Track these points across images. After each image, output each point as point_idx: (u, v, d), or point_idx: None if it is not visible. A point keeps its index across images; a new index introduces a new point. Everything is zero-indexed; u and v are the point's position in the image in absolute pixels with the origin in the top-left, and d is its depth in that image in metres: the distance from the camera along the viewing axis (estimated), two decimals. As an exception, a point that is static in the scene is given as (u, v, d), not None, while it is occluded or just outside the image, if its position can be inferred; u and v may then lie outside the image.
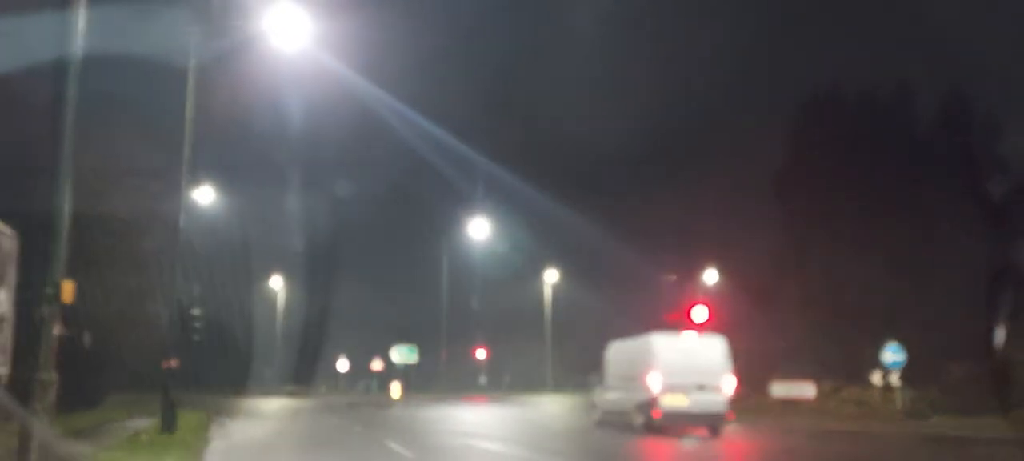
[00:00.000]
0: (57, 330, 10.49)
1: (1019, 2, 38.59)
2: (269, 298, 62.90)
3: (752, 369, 36.68)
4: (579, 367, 33.54)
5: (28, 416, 10.10)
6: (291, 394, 51.49)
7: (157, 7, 18.14)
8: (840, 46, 56.61)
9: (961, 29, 41.38)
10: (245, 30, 18.11)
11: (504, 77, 78.69)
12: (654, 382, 21.23)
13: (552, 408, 31.27)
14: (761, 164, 40.29)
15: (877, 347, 27.99)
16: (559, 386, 58.08)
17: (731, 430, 23.68)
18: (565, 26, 65.65)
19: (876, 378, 28.02)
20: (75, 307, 16.54)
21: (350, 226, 66.74)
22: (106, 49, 14.78)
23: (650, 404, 21.25)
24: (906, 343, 27.14)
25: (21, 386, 13.10)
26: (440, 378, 61.19)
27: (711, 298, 38.31)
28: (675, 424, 21.48)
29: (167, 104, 21.55)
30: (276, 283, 63.69)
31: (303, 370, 51.79)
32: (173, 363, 18.57)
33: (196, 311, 21.60)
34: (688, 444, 19.93)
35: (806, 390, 31.22)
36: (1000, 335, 26.14)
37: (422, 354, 55.74)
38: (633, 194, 64.82)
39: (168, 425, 17.61)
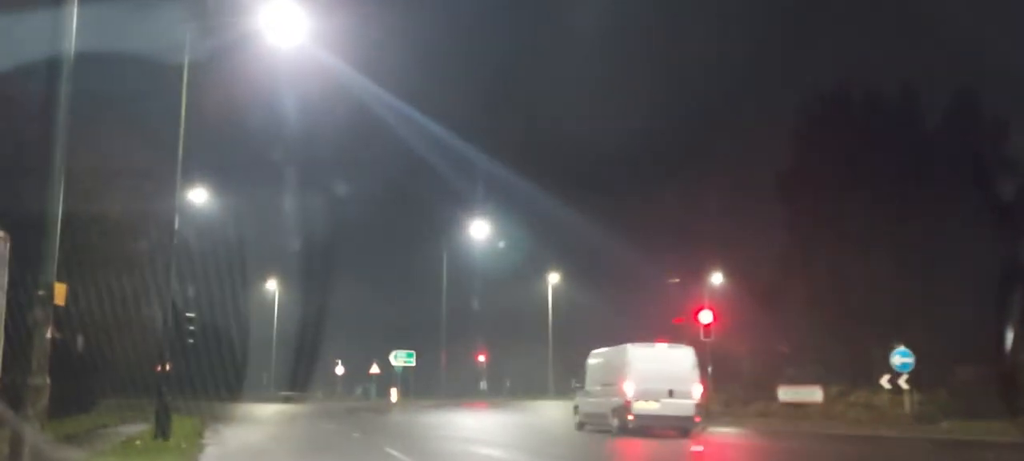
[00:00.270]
0: (49, 333, 10.13)
1: (1024, 1, 38.53)
2: (265, 301, 62.58)
3: (758, 372, 36.47)
4: (581, 371, 33.57)
5: (20, 421, 9.90)
6: (288, 399, 51.13)
7: (151, 4, 17.79)
8: (846, 45, 56.40)
9: (968, 29, 41.19)
10: (240, 27, 17.80)
11: (504, 75, 78.48)
12: (629, 389, 23.37)
13: (554, 413, 31.09)
14: (766, 164, 40.07)
15: (885, 349, 27.77)
16: (561, 391, 57.70)
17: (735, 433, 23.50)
18: (566, 24, 65.46)
19: (884, 381, 27.69)
20: (67, 310, 16.30)
21: (347, 227, 66.34)
22: (99, 47, 14.52)
23: (625, 408, 23.34)
24: (914, 346, 26.89)
25: (12, 391, 12.75)
26: (440, 383, 60.82)
27: (716, 300, 38.02)
28: (648, 426, 23.26)
29: (161, 103, 21.24)
30: (272, 285, 63.34)
31: (300, 375, 51.38)
32: (167, 367, 18.18)
33: (191, 314, 21.25)
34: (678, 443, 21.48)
35: (813, 394, 30.94)
36: (1010, 338, 25.87)
37: (421, 358, 55.26)
38: (636, 194, 64.50)
39: (162, 431, 17.30)
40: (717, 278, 42.94)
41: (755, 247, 39.29)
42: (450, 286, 60.87)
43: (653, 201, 58.94)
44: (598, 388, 25.89)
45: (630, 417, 23.23)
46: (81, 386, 22.14)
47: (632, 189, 67.21)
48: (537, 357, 62.21)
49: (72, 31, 10.51)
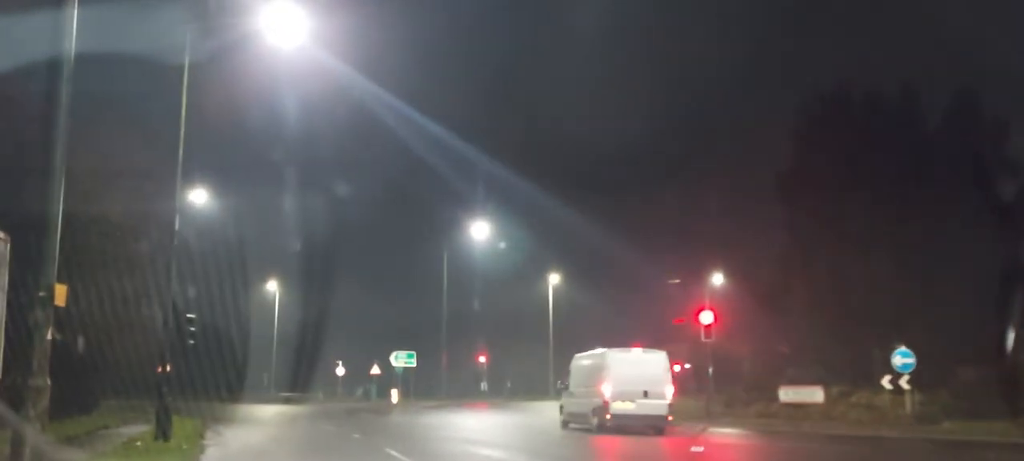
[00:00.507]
0: (50, 334, 10.12)
1: (1025, 2, 38.46)
2: (266, 302, 62.51)
3: (759, 373, 36.44)
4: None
5: (20, 422, 9.87)
6: (288, 400, 51.11)
7: (151, 5, 17.76)
8: (846, 45, 56.45)
9: (968, 29, 41.21)
10: (241, 28, 17.74)
11: (505, 76, 78.42)
12: (607, 390, 25.36)
13: (554, 414, 31.06)
14: (766, 164, 39.98)
15: (886, 350, 27.72)
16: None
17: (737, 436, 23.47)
18: (566, 24, 65.42)
19: (885, 382, 27.64)
20: (68, 311, 16.29)
21: (348, 227, 66.32)
22: (99, 48, 14.49)
23: (604, 408, 25.36)
24: (915, 346, 26.85)
25: (13, 392, 12.73)
26: (440, 384, 60.78)
27: (716, 301, 38.02)
28: (624, 425, 25.02)
29: (162, 104, 21.23)
30: (273, 286, 63.29)
31: (300, 375, 51.31)
32: (168, 368, 18.17)
33: (191, 315, 21.24)
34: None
35: (814, 395, 30.89)
36: (1011, 338, 25.83)
37: (422, 359, 55.23)
38: (636, 194, 64.58)
39: (163, 432, 17.28)
40: (718, 279, 42.97)
41: (755, 248, 39.30)
42: (451, 287, 60.89)
43: (654, 201, 59.05)
44: (580, 389, 27.70)
45: (608, 416, 25.18)
46: (82, 387, 22.11)
47: (633, 189, 67.29)
48: (538, 358, 62.15)
49: (72, 32, 10.49)
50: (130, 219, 24.57)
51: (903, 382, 27.07)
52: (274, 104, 40.54)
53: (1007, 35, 36.04)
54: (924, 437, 24.08)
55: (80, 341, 22.08)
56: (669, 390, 25.88)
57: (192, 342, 21.67)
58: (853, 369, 31.19)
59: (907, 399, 27.34)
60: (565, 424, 28.46)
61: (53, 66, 10.50)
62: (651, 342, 28.25)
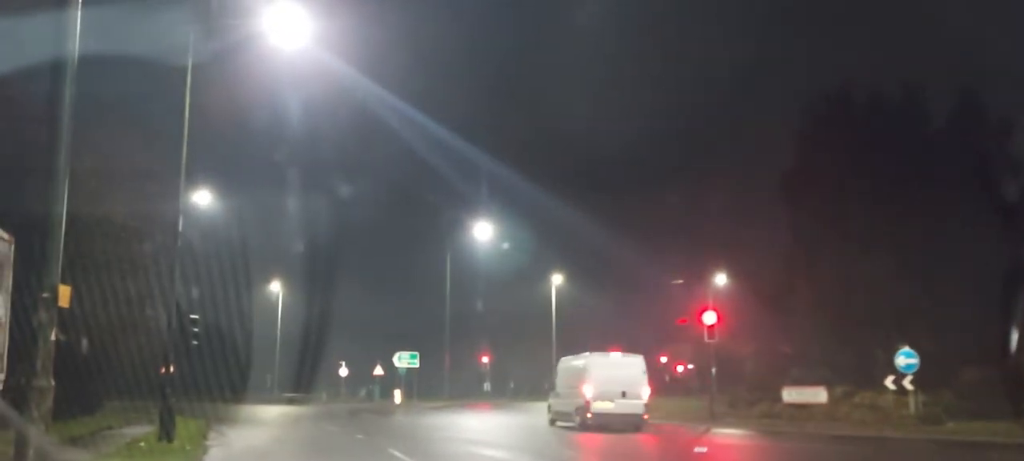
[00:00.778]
0: (53, 335, 10.11)
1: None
2: (269, 302, 62.53)
3: (762, 373, 36.39)
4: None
5: (24, 423, 9.82)
6: (291, 401, 51.15)
7: (154, 6, 17.78)
8: (850, 46, 56.37)
9: (972, 29, 41.06)
10: (244, 29, 17.76)
11: (508, 76, 78.37)
12: (588, 390, 27.42)
13: (556, 414, 31.23)
14: (770, 165, 39.98)
15: (889, 351, 27.69)
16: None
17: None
18: (571, 24, 65.30)
19: (889, 382, 27.60)
20: (72, 312, 16.30)
21: (351, 228, 66.21)
22: (103, 49, 14.47)
23: (585, 407, 27.37)
24: (919, 346, 26.82)
25: (17, 393, 12.74)
26: (443, 384, 60.80)
27: (720, 301, 37.98)
28: (604, 423, 26.89)
29: (165, 105, 21.23)
30: (276, 287, 63.31)
31: (303, 376, 51.30)
32: (171, 369, 18.19)
33: (195, 316, 21.26)
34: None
35: (818, 395, 30.85)
36: (1014, 338, 25.77)
37: (425, 359, 55.29)
38: (640, 195, 64.57)
39: (166, 432, 17.30)
40: (721, 279, 42.92)
41: (759, 248, 39.21)
42: (454, 287, 60.87)
43: (657, 201, 59.01)
44: (565, 390, 29.92)
45: (589, 415, 27.23)
46: (85, 388, 22.10)
47: (636, 189, 67.27)
48: (541, 358, 62.01)
49: (76, 33, 10.48)
50: (134, 220, 24.57)
51: (907, 382, 27.04)
52: (277, 105, 40.58)
53: (1011, 35, 35.97)
54: (928, 437, 24.05)
55: (84, 342, 22.08)
56: (645, 391, 27.90)
57: (195, 343, 21.69)
58: (856, 369, 31.10)
59: (911, 399, 27.30)
60: (552, 422, 30.43)
61: (56, 67, 10.45)
62: (654, 342, 29.54)
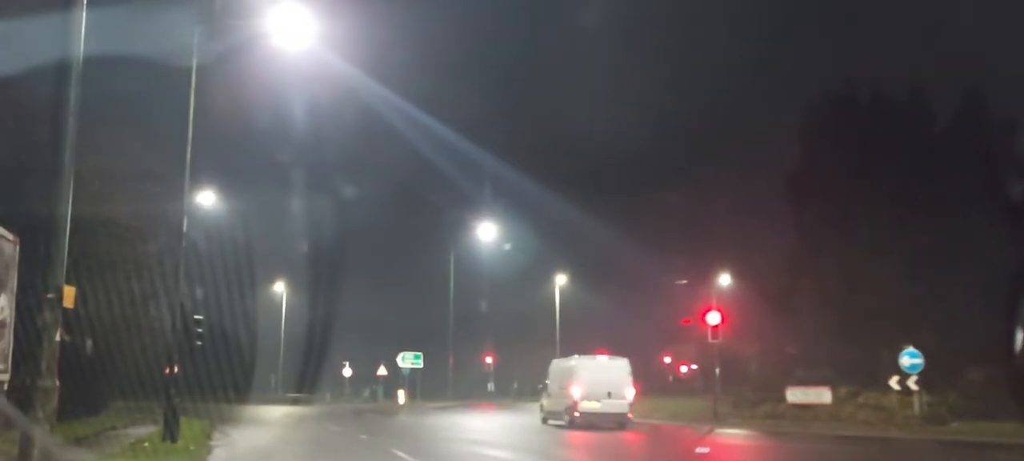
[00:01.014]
0: (58, 336, 10.12)
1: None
2: (273, 303, 62.53)
3: (766, 373, 36.32)
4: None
5: (29, 423, 9.82)
6: (295, 401, 51.18)
7: (159, 7, 17.80)
8: (855, 46, 56.38)
9: (977, 29, 41.00)
10: (248, 29, 17.78)
11: (513, 76, 78.42)
12: (576, 391, 29.14)
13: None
14: (775, 165, 39.91)
15: (894, 351, 27.61)
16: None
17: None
18: (576, 25, 65.35)
19: (894, 383, 27.52)
20: (76, 313, 16.34)
21: (355, 229, 66.13)
22: (107, 50, 14.48)
23: (573, 407, 29.07)
24: (923, 346, 26.73)
25: (22, 393, 12.79)
26: (447, 385, 60.78)
27: (724, 301, 37.93)
28: (591, 421, 28.61)
29: (169, 106, 21.24)
30: (280, 288, 63.34)
31: (307, 377, 51.37)
32: (175, 369, 18.20)
33: (199, 316, 21.27)
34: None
35: (822, 395, 30.76)
36: (1020, 338, 25.65)
37: (429, 360, 55.31)
38: (644, 196, 64.57)
39: (170, 433, 17.31)
40: (725, 279, 42.87)
41: (763, 248, 39.14)
42: (458, 288, 60.91)
43: (661, 202, 59.00)
44: (556, 390, 31.66)
45: (577, 413, 28.92)
46: (90, 389, 22.13)
47: (640, 190, 67.04)
48: (545, 358, 61.80)
49: (80, 34, 10.49)
50: (138, 221, 24.60)
51: (911, 383, 26.96)
52: (281, 106, 40.65)
53: (1015, 35, 35.83)
54: (932, 438, 24.02)
55: (88, 343, 22.13)
56: (630, 391, 29.60)
57: (200, 343, 21.69)
58: (861, 370, 31.01)
59: (915, 400, 27.22)
60: (544, 420, 32.14)
61: (61, 68, 10.45)
62: (658, 343, 30.11)
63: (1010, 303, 25.68)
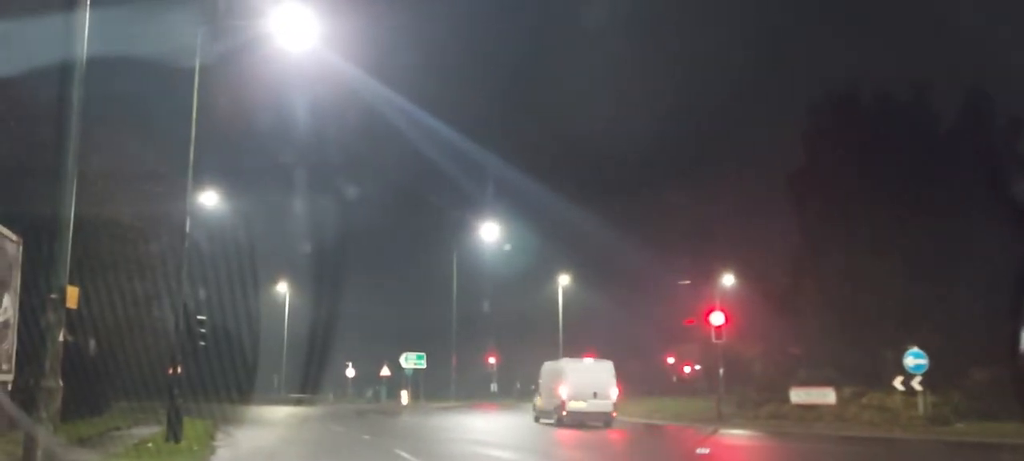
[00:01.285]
0: (61, 336, 10.13)
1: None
2: (276, 303, 62.55)
3: (770, 374, 36.26)
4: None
5: (32, 424, 9.84)
6: (298, 402, 51.19)
7: (162, 8, 17.82)
8: (858, 46, 56.26)
9: (981, 28, 40.94)
10: (251, 30, 17.78)
11: (516, 77, 78.50)
12: (564, 391, 31.04)
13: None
14: (777, 165, 39.82)
15: (898, 351, 27.54)
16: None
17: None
18: (580, 26, 65.37)
19: (898, 383, 27.45)
20: (80, 313, 16.34)
21: (358, 229, 66.21)
22: (110, 51, 14.50)
23: (562, 406, 30.94)
24: (927, 347, 26.65)
25: (25, 393, 12.80)
26: (450, 385, 60.79)
27: (727, 302, 37.90)
28: (578, 420, 30.47)
29: (172, 106, 21.27)
30: (283, 288, 63.36)
31: (310, 377, 51.35)
32: (178, 370, 18.21)
33: (202, 317, 21.27)
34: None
35: (826, 396, 30.70)
36: (1025, 339, 25.58)
37: (432, 360, 55.35)
38: (647, 196, 64.62)
39: (174, 433, 17.33)
40: (728, 280, 42.83)
41: (767, 248, 39.07)
42: (461, 288, 60.93)
43: (664, 202, 58.97)
44: (546, 391, 33.38)
45: (565, 412, 30.72)
46: (93, 389, 22.16)
47: (643, 190, 67.22)
48: (548, 359, 62.00)
49: (84, 35, 10.50)
50: (141, 221, 24.62)
51: (915, 383, 26.89)
52: (284, 107, 40.73)
53: (1019, 34, 35.78)
54: (937, 438, 23.96)
55: (91, 343, 22.13)
56: (614, 392, 31.54)
57: (203, 344, 21.69)
58: (865, 370, 30.93)
59: (919, 400, 27.15)
60: (537, 419, 33.79)
61: (64, 69, 10.46)
62: (662, 343, 30.41)
63: (1014, 303, 25.56)
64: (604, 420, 30.93)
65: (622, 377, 33.32)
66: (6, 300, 15.26)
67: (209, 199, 29.34)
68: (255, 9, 17.67)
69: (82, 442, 16.28)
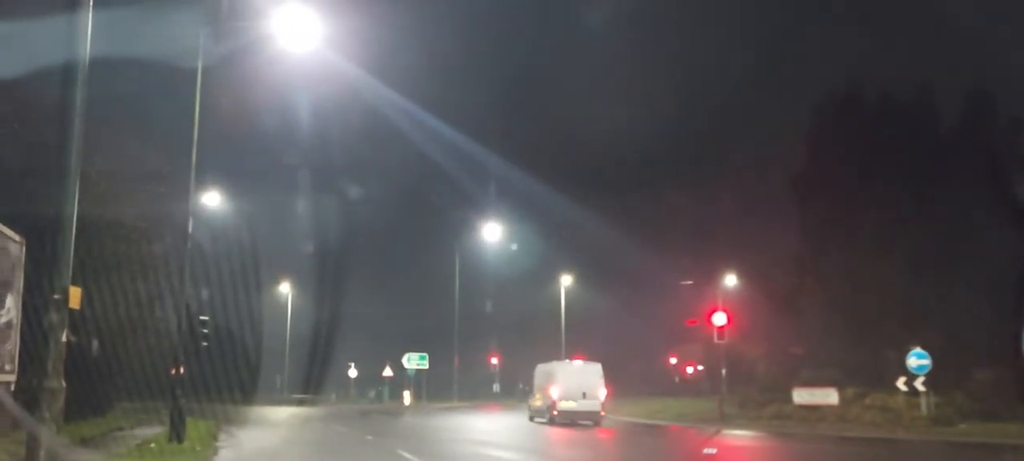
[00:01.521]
0: (64, 337, 10.14)
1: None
2: (279, 304, 62.62)
3: (773, 374, 36.23)
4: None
5: (35, 424, 9.85)
6: (301, 402, 51.24)
7: (165, 8, 17.84)
8: (860, 46, 56.21)
9: (984, 29, 40.86)
10: (254, 31, 17.79)
11: (518, 77, 78.51)
12: (555, 392, 32.74)
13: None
14: (780, 166, 39.76)
15: (901, 352, 27.49)
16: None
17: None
18: (582, 26, 65.46)
19: (901, 383, 27.42)
20: (82, 313, 16.37)
21: (360, 230, 66.27)
22: (113, 52, 14.51)
23: (553, 406, 32.62)
24: (930, 347, 26.61)
25: (28, 394, 12.82)
26: (453, 385, 60.81)
27: (730, 302, 37.86)
28: (568, 419, 32.05)
29: (175, 107, 21.30)
30: (285, 288, 63.42)
31: (313, 377, 51.37)
32: (181, 370, 18.22)
33: (205, 317, 21.29)
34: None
35: (829, 396, 30.67)
36: (1027, 339, 25.53)
37: (434, 361, 55.38)
38: (650, 196, 64.60)
39: (176, 433, 17.34)
40: (731, 280, 42.78)
41: (769, 249, 39.03)
42: (463, 289, 60.96)
43: (667, 203, 58.97)
44: (539, 391, 35.09)
45: (556, 412, 32.33)
46: (96, 389, 22.17)
47: (646, 191, 67.19)
48: (551, 359, 61.97)
49: (87, 36, 10.51)
50: (144, 222, 24.62)
51: (918, 384, 26.85)
52: (287, 107, 40.74)
53: (1020, 34, 35.71)
54: (940, 439, 23.91)
55: (94, 343, 22.16)
56: (602, 392, 32.90)
57: (205, 344, 21.74)
58: (868, 371, 30.89)
59: (922, 401, 27.11)
60: (531, 418, 35.17)
61: (67, 70, 10.48)
62: (664, 343, 30.58)
63: (1017, 303, 25.55)
64: (593, 419, 32.27)
65: (624, 377, 33.60)
66: (9, 300, 15.29)
67: (212, 200, 29.34)
68: (258, 10, 17.69)
69: (85, 442, 16.29)
